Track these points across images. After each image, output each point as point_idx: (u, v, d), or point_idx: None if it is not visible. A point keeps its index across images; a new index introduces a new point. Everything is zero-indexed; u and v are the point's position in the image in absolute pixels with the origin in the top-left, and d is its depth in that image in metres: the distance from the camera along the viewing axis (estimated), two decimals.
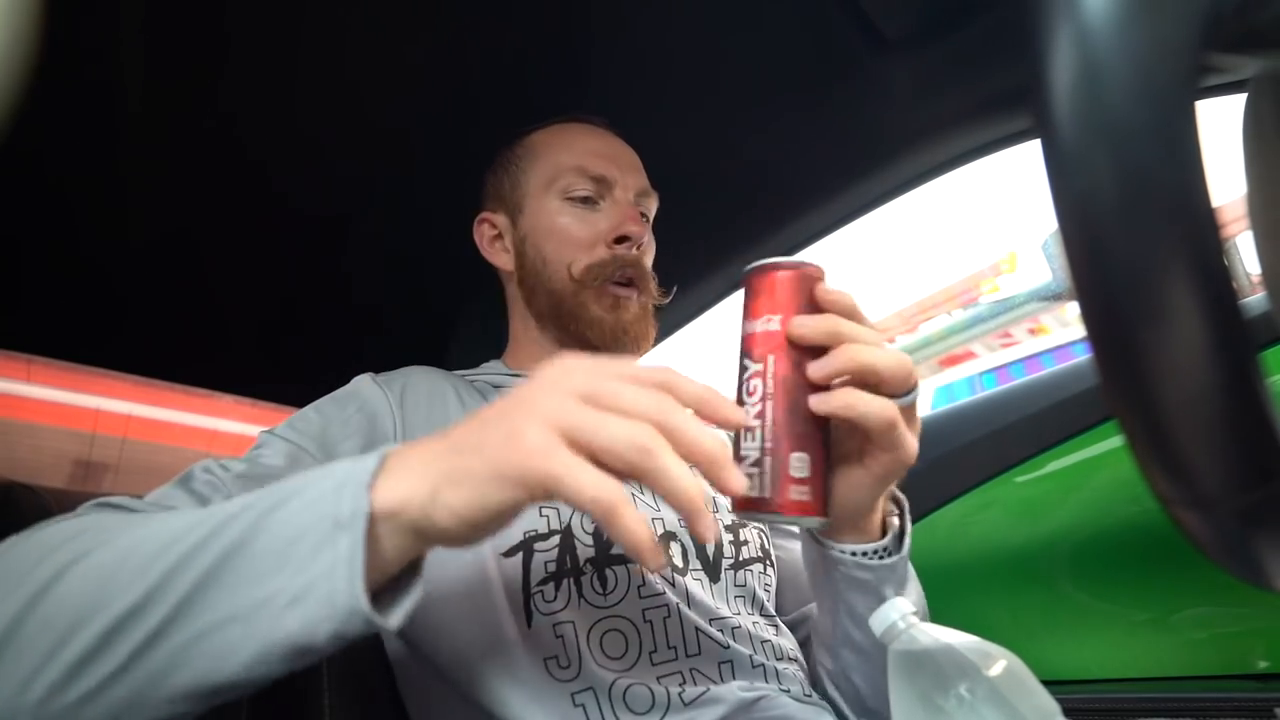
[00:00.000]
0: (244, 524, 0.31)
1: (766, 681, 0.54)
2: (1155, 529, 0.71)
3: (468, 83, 0.76)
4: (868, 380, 0.39)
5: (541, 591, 0.51)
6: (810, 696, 0.55)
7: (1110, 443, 0.76)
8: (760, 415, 0.39)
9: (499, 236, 0.72)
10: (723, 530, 0.61)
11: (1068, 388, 0.81)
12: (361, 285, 1.01)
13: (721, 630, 0.55)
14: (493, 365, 0.73)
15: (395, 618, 0.32)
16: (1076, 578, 0.78)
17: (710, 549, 0.59)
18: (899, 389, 0.40)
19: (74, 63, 0.62)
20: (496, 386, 0.68)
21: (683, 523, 0.58)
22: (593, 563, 0.53)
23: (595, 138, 0.71)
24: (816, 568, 0.51)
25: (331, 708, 0.54)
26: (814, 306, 0.41)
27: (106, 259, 0.85)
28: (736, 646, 0.54)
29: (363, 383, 0.60)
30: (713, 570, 0.58)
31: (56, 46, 0.52)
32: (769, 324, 0.40)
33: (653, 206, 0.72)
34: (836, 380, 0.40)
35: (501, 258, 0.72)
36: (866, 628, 0.45)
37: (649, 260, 0.70)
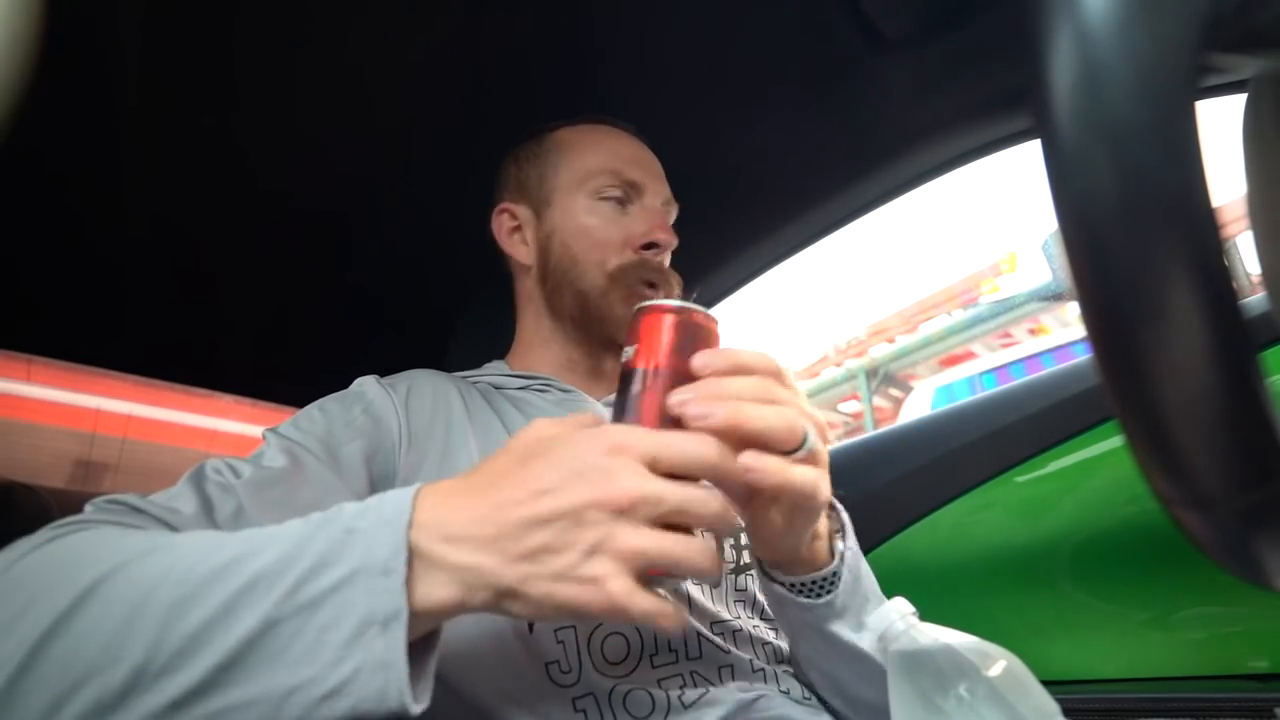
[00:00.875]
0: (271, 599, 0.30)
1: (766, 683, 0.54)
2: (1155, 529, 0.71)
3: (471, 80, 0.76)
4: (752, 444, 0.36)
5: None
6: (809, 699, 0.55)
7: (1110, 443, 0.76)
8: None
9: (518, 229, 0.71)
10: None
11: (1068, 388, 0.81)
12: (362, 285, 1.01)
13: (722, 634, 0.55)
14: (495, 366, 0.73)
15: (422, 700, 0.31)
16: (1077, 578, 0.78)
17: None
18: (785, 446, 0.37)
19: (74, 62, 0.62)
20: (498, 388, 0.68)
21: None
22: None
23: (626, 143, 0.71)
24: (770, 602, 0.52)
25: None
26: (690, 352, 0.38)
27: (107, 259, 0.85)
28: (737, 650, 0.54)
29: (368, 384, 0.59)
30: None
31: (56, 46, 0.52)
32: (649, 371, 0.38)
33: (674, 215, 0.73)
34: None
35: (521, 250, 0.71)
36: (831, 661, 0.50)
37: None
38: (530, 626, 0.50)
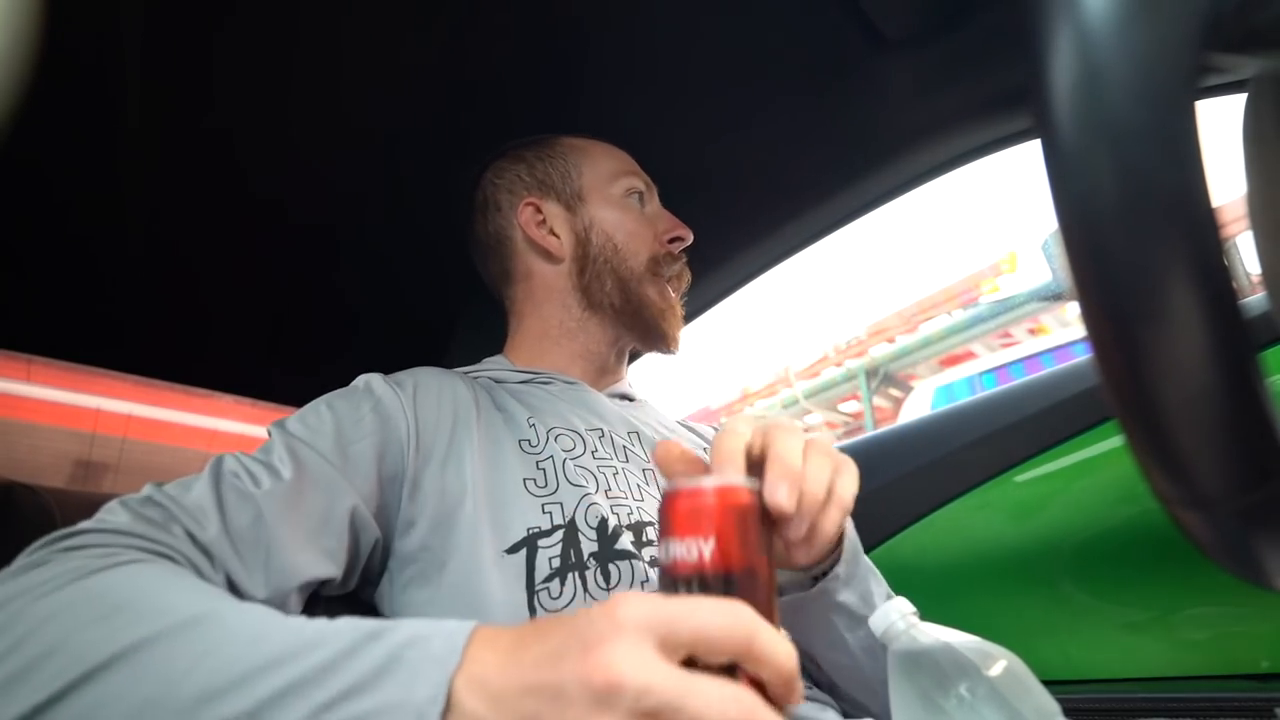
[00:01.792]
0: (301, 712, 0.28)
1: None
2: (1155, 529, 0.71)
3: (467, 84, 0.77)
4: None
5: (547, 588, 0.51)
6: (812, 689, 0.55)
7: (1110, 443, 0.76)
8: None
9: (543, 222, 0.74)
10: None
11: (1068, 388, 0.81)
12: (362, 285, 1.01)
13: None
14: (496, 361, 0.73)
15: None
16: (1076, 577, 0.78)
17: None
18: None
19: (72, 66, 0.62)
20: (500, 383, 0.68)
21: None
22: (596, 557, 0.53)
23: (624, 157, 0.78)
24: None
25: None
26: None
27: (107, 259, 0.85)
28: None
29: (374, 382, 0.59)
30: None
31: (55, 50, 0.52)
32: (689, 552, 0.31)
33: None
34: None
35: (551, 242, 0.73)
36: (840, 647, 0.51)
37: None
38: (533, 618, 0.50)
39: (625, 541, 0.54)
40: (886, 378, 7.80)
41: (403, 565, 0.54)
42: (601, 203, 0.73)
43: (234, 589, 0.42)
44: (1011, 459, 0.83)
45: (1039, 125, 0.24)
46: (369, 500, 0.52)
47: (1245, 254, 0.33)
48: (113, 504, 0.42)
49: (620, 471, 0.60)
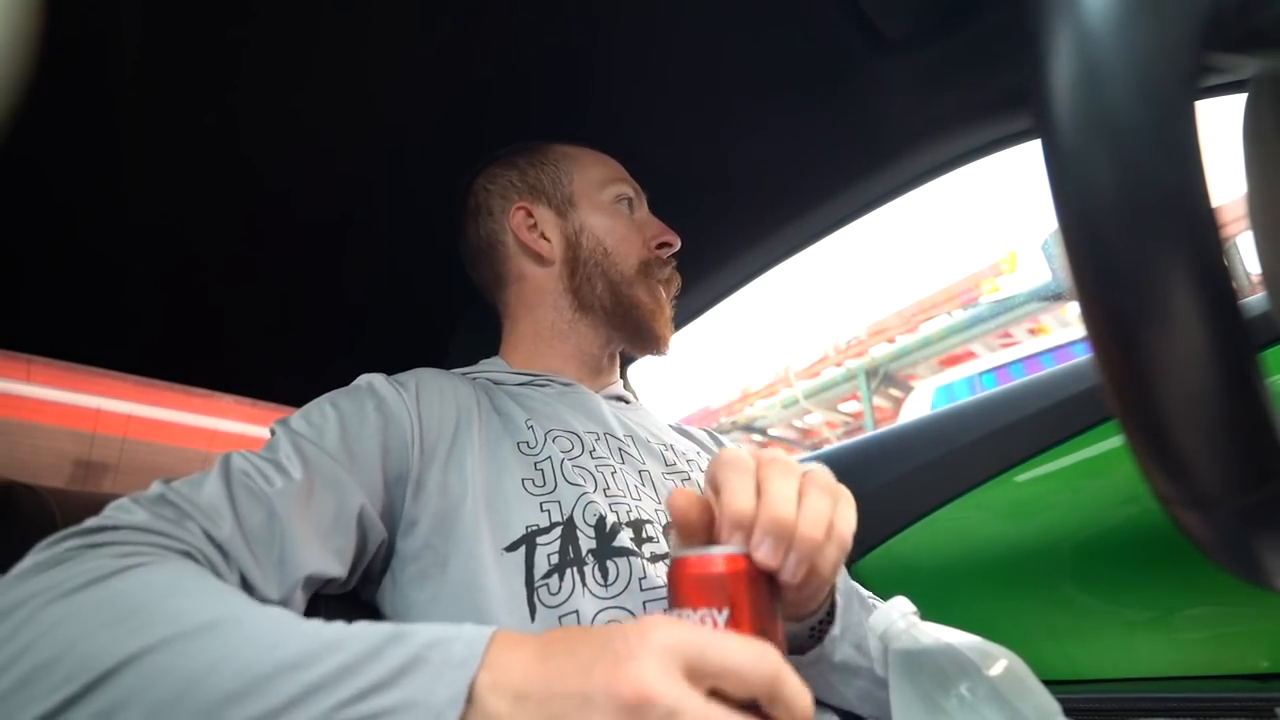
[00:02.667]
0: (321, 710, 0.29)
1: None
2: (1155, 529, 0.71)
3: (471, 83, 0.77)
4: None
5: (546, 585, 0.51)
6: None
7: (1110, 443, 0.76)
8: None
9: (535, 226, 0.74)
10: None
11: (1068, 388, 0.81)
12: (362, 285, 1.01)
13: None
14: (493, 362, 0.74)
15: None
16: (1077, 578, 0.78)
17: None
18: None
19: (74, 62, 0.62)
20: (497, 384, 0.68)
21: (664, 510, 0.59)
22: (594, 554, 0.53)
23: (614, 165, 0.78)
24: None
25: None
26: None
27: (107, 259, 0.85)
28: None
29: (377, 381, 0.59)
30: None
31: (56, 45, 0.52)
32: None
33: None
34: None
35: (543, 245, 0.73)
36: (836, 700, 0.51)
37: None
38: (533, 615, 0.50)
39: (624, 538, 0.54)
40: (886, 378, 7.81)
41: (405, 564, 0.54)
42: (591, 208, 0.74)
43: (247, 587, 0.42)
44: (1011, 459, 0.83)
45: (1039, 125, 0.24)
46: (375, 499, 0.52)
47: (1245, 254, 0.33)
48: (124, 501, 0.41)
49: (618, 471, 0.61)
